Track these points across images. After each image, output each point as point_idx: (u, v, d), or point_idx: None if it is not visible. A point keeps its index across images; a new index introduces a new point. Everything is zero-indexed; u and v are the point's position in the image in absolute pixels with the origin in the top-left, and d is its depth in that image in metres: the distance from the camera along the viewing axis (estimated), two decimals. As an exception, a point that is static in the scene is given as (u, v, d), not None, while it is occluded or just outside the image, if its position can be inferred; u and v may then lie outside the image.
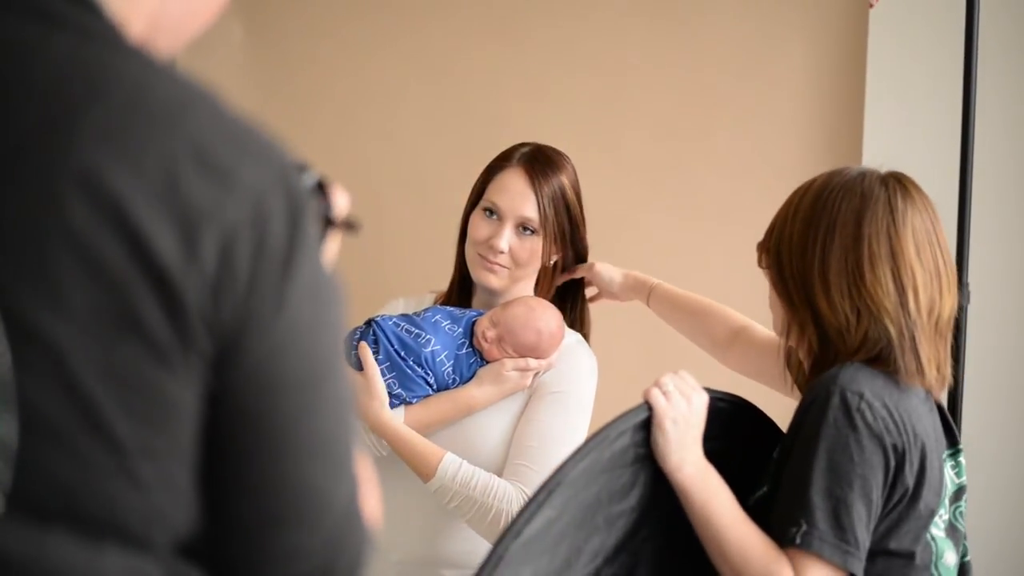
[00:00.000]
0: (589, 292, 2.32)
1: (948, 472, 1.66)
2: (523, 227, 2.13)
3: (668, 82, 3.19)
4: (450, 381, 2.10)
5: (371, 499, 0.95)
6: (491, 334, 2.10)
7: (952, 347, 2.37)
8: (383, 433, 2.03)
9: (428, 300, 2.27)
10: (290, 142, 0.89)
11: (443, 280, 2.28)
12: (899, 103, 3.05)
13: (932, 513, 1.61)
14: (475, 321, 2.14)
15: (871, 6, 2.80)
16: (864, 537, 1.54)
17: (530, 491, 1.97)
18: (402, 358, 2.07)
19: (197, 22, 0.93)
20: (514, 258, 2.13)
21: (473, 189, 2.20)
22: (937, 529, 1.63)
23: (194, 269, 0.80)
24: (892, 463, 1.55)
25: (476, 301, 2.23)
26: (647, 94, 3.20)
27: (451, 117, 3.31)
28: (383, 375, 2.07)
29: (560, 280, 2.24)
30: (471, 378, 2.11)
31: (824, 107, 3.12)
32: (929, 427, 1.62)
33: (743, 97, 3.15)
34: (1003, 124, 2.97)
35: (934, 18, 3.01)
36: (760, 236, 1.74)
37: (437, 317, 2.14)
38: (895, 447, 1.55)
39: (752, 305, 2.08)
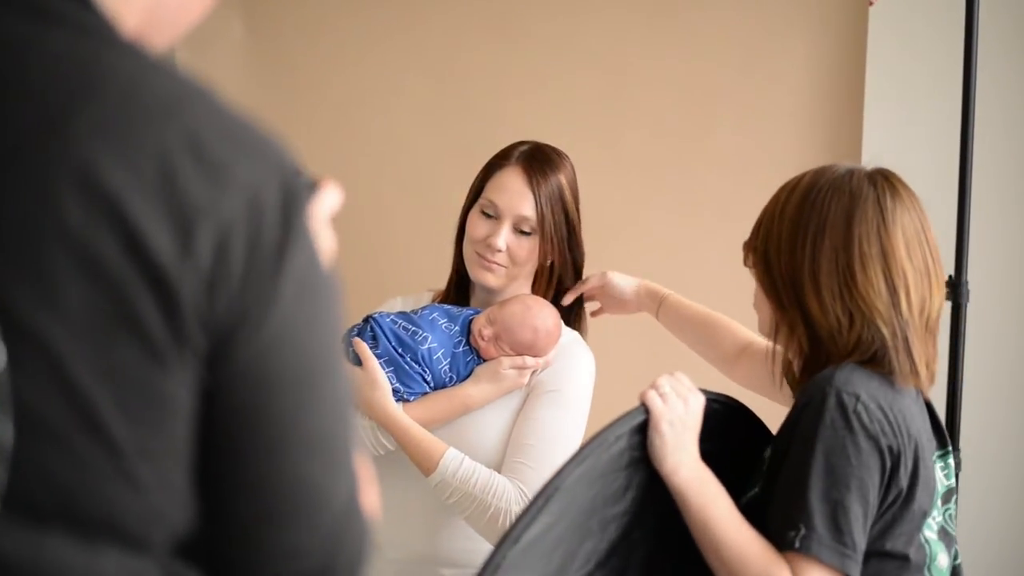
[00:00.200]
0: (591, 306, 2.31)
1: (938, 474, 1.66)
2: (521, 226, 2.12)
3: (668, 79, 3.19)
4: (447, 379, 2.10)
5: (370, 496, 0.94)
6: (488, 332, 2.10)
7: (951, 347, 2.38)
8: (387, 423, 2.02)
9: (426, 298, 2.27)
10: (289, 138, 0.89)
11: (441, 279, 2.28)
12: (899, 101, 3.05)
13: (925, 514, 1.60)
14: (472, 319, 2.13)
15: (871, 4, 2.80)
16: (861, 540, 1.53)
17: (529, 489, 1.97)
18: (400, 355, 2.07)
19: (190, 16, 0.92)
20: (511, 257, 2.12)
21: (471, 188, 2.20)
22: (930, 531, 1.62)
23: (189, 266, 0.80)
24: (888, 464, 1.54)
25: (474, 300, 2.23)
26: (647, 91, 3.20)
27: (450, 114, 3.31)
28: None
29: (573, 293, 2.23)
30: (468, 376, 2.10)
31: (824, 105, 3.12)
32: (922, 427, 1.62)
33: (743, 94, 3.15)
34: (1003, 121, 2.96)
35: (934, 15, 3.00)
36: None
37: (434, 315, 2.14)
38: (891, 448, 1.54)
39: (750, 303, 2.07)
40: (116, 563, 0.82)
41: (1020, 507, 3.09)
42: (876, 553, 1.57)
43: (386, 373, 2.06)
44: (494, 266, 2.13)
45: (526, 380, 2.10)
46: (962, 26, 2.38)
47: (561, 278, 2.19)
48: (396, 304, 2.26)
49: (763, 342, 2.01)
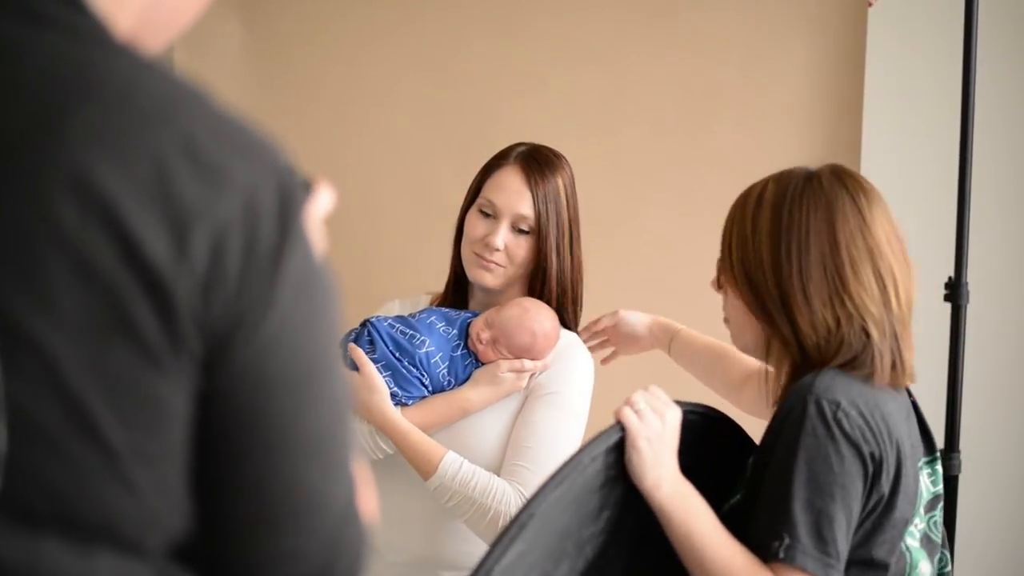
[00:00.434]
0: (602, 353, 2.30)
1: (924, 480, 1.64)
2: (519, 225, 2.12)
3: (667, 78, 3.19)
4: (445, 383, 2.09)
5: (368, 500, 0.94)
6: (486, 336, 2.09)
7: (951, 348, 2.37)
8: (386, 427, 2.02)
9: (424, 301, 2.27)
10: (286, 138, 0.88)
11: (439, 281, 2.27)
12: (898, 101, 3.05)
13: (906, 522, 1.59)
14: (470, 323, 2.13)
15: (870, 4, 2.80)
16: (844, 548, 1.52)
17: (528, 491, 1.97)
18: (397, 359, 2.07)
19: (184, 18, 0.92)
20: (510, 256, 2.12)
21: (470, 189, 2.20)
22: (912, 539, 1.61)
23: (185, 269, 0.79)
24: (870, 471, 1.53)
25: (473, 302, 2.22)
26: (646, 90, 3.20)
27: (449, 114, 3.30)
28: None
29: (586, 333, 2.22)
30: (466, 380, 2.10)
31: (823, 104, 3.12)
32: (905, 433, 1.60)
33: (743, 94, 3.15)
34: (1002, 121, 2.96)
35: (933, 15, 3.00)
36: None
37: (432, 319, 2.13)
38: (872, 456, 1.53)
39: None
40: (111, 567, 0.81)
41: (1020, 507, 3.09)
42: (856, 561, 1.56)
43: (384, 377, 2.05)
44: (492, 265, 2.12)
45: (524, 383, 2.09)
46: (961, 26, 2.38)
47: (560, 281, 2.18)
48: (394, 307, 2.26)
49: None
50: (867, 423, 1.53)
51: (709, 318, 2.17)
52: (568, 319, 2.20)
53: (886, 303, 1.59)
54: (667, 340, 2.20)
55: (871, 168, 2.95)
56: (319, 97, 3.37)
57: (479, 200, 2.15)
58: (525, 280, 2.18)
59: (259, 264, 0.82)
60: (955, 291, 2.36)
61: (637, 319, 2.24)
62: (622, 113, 3.22)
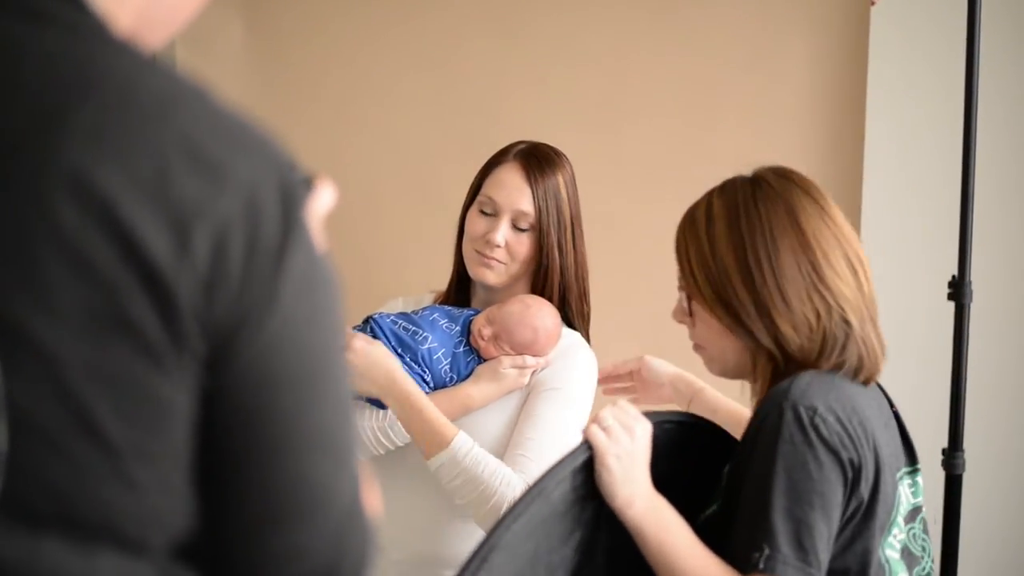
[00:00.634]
0: (625, 396, 2.25)
1: (905, 491, 1.62)
2: (519, 222, 2.12)
3: (670, 77, 3.18)
4: (447, 379, 2.09)
5: (371, 497, 0.93)
6: (487, 332, 2.09)
7: (955, 347, 2.37)
8: (398, 395, 2.00)
9: (427, 299, 2.27)
10: (288, 136, 0.88)
11: (442, 279, 2.27)
12: (901, 100, 3.05)
13: (883, 531, 1.57)
14: (472, 319, 2.13)
15: (872, 3, 2.80)
16: (825, 557, 1.50)
17: (530, 480, 1.95)
18: (400, 355, 2.06)
19: (183, 15, 0.92)
20: (510, 253, 2.12)
21: (470, 187, 2.20)
22: (892, 551, 1.59)
23: (186, 267, 0.79)
24: (849, 477, 1.51)
25: (475, 300, 2.22)
26: (647, 89, 3.20)
27: (449, 113, 3.30)
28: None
29: (608, 380, 2.18)
30: (468, 376, 2.10)
31: (826, 104, 3.11)
32: (883, 440, 1.57)
33: (745, 92, 3.15)
34: (1005, 120, 2.96)
35: (936, 15, 3.00)
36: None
37: (435, 315, 2.13)
38: (851, 461, 1.51)
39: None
40: (113, 566, 0.81)
41: (1021, 507, 3.09)
42: (835, 571, 1.53)
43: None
44: (493, 262, 2.12)
45: (526, 380, 2.09)
46: (964, 24, 2.37)
47: (563, 278, 2.18)
48: (397, 304, 2.26)
49: None
50: (845, 428, 1.51)
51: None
52: (571, 316, 2.20)
53: (859, 287, 1.58)
54: (688, 397, 2.12)
55: (874, 167, 2.95)
56: (320, 96, 3.37)
57: (479, 198, 2.15)
58: (528, 278, 2.18)
59: (262, 261, 0.81)
60: (958, 290, 2.36)
61: (662, 369, 2.15)
62: (623, 113, 3.22)
